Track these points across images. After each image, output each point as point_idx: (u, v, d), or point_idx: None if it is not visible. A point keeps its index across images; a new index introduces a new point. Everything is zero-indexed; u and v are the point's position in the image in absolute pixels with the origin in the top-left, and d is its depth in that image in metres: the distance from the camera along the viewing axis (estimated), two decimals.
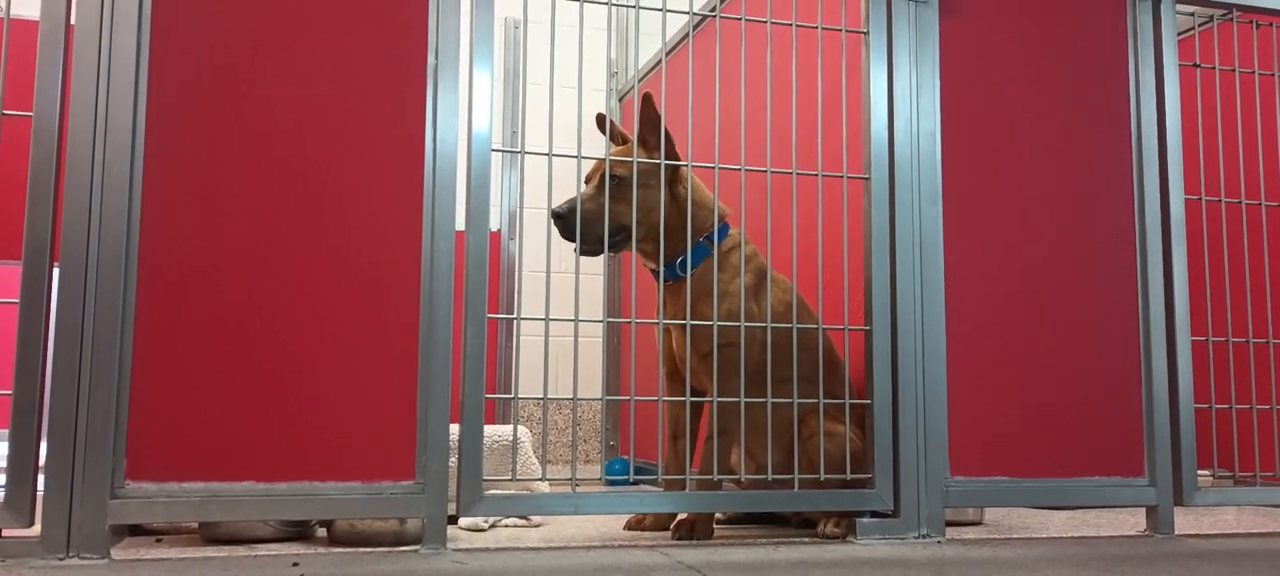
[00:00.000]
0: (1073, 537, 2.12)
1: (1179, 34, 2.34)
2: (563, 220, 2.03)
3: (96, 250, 1.68)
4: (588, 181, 2.15)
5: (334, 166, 1.80)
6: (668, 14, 2.05)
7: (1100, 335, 2.17)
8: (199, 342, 1.71)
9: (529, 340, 4.09)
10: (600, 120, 2.22)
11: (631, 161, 2.06)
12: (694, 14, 2.12)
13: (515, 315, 1.93)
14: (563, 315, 3.27)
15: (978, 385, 2.08)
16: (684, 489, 2.05)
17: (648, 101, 2.08)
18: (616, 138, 2.23)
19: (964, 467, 2.05)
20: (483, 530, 2.14)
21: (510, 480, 2.05)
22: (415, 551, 1.79)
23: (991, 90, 2.17)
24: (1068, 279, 2.17)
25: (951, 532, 2.10)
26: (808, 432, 2.08)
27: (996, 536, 2.14)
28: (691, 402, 2.16)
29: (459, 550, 1.81)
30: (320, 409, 1.75)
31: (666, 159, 2.09)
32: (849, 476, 2.02)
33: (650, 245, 2.14)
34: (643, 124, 2.10)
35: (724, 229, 2.16)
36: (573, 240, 2.01)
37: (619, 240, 2.10)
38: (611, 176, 2.08)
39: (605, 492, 2.05)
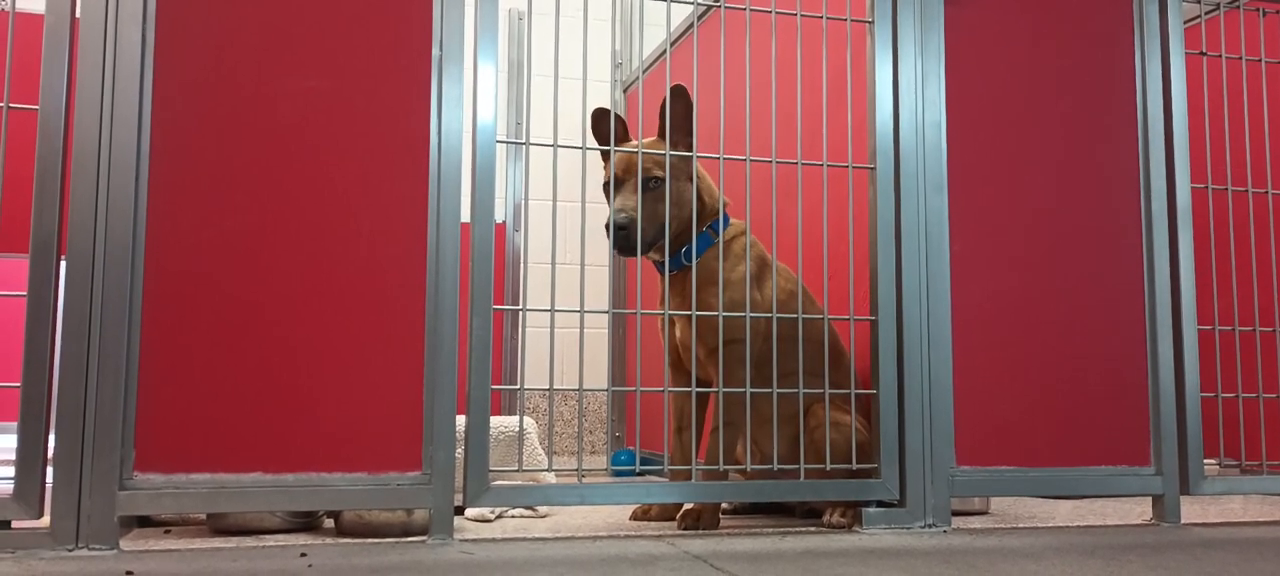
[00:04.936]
0: (1079, 526, 2.12)
1: (1185, 22, 2.33)
2: (624, 232, 2.00)
3: (103, 243, 1.69)
4: (616, 186, 2.08)
5: (339, 159, 1.80)
6: (672, 4, 2.05)
7: (1106, 324, 2.17)
8: (206, 334, 1.72)
9: (534, 332, 4.10)
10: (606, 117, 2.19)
11: (664, 157, 2.05)
12: (698, 3, 2.11)
13: (521, 307, 1.93)
14: (568, 306, 3.28)
15: (983, 374, 2.08)
16: (690, 479, 2.06)
17: (681, 95, 2.07)
18: (621, 137, 2.21)
19: (970, 457, 2.06)
20: (489, 521, 2.14)
21: (517, 471, 2.05)
22: (422, 542, 1.80)
23: (997, 79, 2.16)
24: (1073, 268, 2.16)
25: (957, 522, 2.11)
26: (814, 422, 2.08)
27: (1002, 525, 2.14)
28: (696, 393, 2.16)
29: (466, 541, 1.82)
30: (327, 400, 1.76)
31: (685, 150, 2.09)
32: (855, 466, 2.02)
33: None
34: (675, 117, 2.09)
35: (725, 219, 2.16)
36: (632, 253, 2.00)
37: (655, 239, 2.08)
38: (648, 177, 2.06)
39: (611, 483, 2.06)
